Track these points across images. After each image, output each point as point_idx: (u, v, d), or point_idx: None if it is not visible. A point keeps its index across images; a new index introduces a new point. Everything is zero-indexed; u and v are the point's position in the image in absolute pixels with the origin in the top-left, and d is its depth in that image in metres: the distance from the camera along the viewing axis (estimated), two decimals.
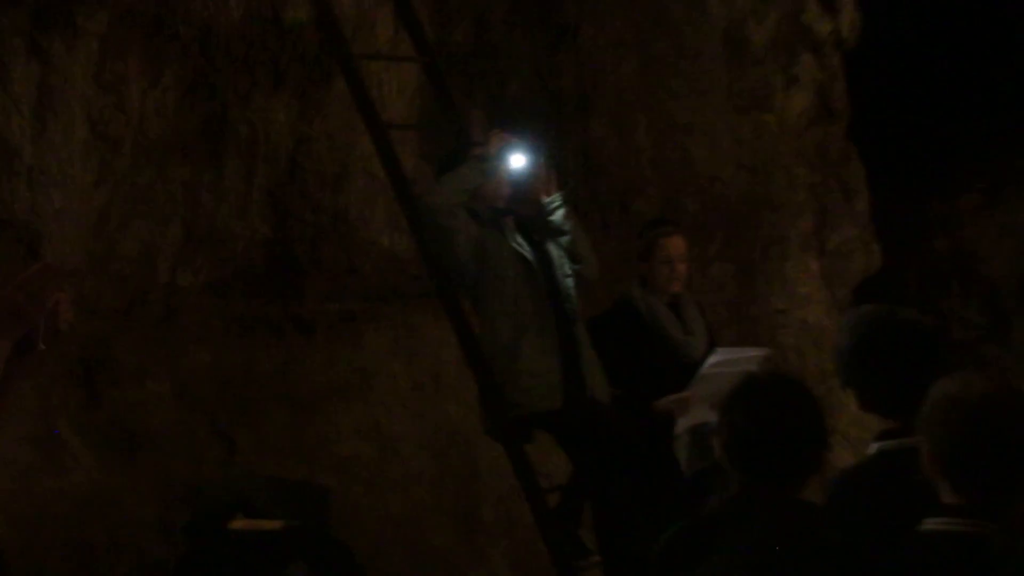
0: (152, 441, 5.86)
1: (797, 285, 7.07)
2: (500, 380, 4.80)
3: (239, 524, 5.04)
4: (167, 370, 5.98)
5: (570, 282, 4.91)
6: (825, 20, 7.52)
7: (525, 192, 4.95)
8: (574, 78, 6.86)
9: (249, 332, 6.16)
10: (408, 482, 6.25)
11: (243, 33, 5.85)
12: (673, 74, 6.94)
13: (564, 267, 4.92)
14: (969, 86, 8.96)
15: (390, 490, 6.19)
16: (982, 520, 2.33)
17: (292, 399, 6.15)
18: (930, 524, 2.39)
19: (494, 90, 6.72)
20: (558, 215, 4.89)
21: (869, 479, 2.80)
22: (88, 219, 5.65)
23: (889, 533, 2.46)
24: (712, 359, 4.97)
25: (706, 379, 4.86)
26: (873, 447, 2.86)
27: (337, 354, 6.27)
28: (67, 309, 2.54)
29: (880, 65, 8.23)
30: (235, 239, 6.14)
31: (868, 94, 7.81)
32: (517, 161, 4.85)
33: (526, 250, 4.87)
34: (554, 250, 4.93)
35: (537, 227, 4.96)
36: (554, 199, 4.90)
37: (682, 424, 4.93)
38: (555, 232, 4.92)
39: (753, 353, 5.25)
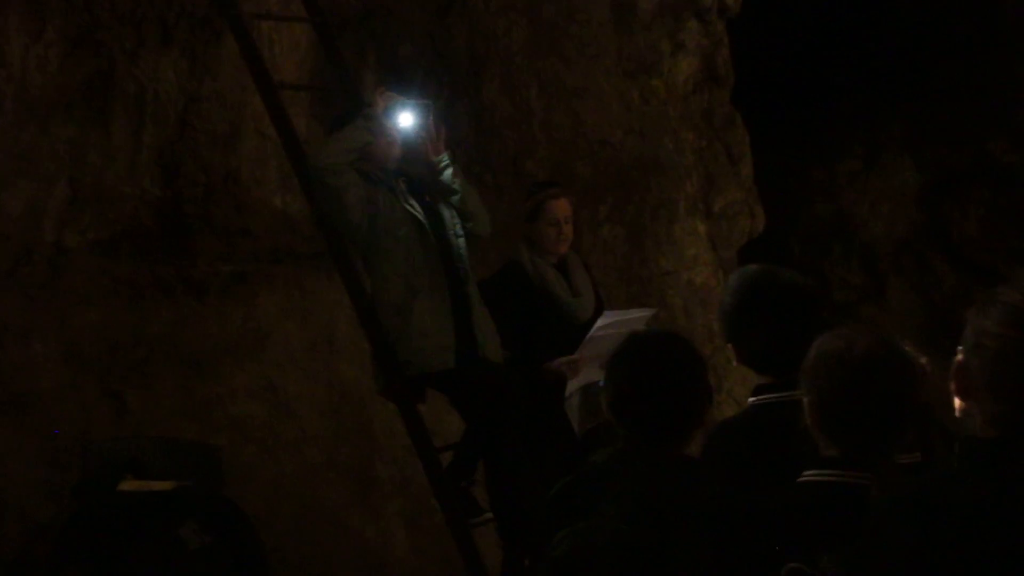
0: (40, 402, 5.79)
1: (685, 247, 7.18)
2: (393, 340, 4.81)
3: (129, 485, 4.95)
4: (54, 331, 5.90)
5: (462, 243, 4.92)
6: None
7: (415, 152, 4.95)
8: (465, 41, 6.86)
9: (138, 293, 6.10)
10: (302, 442, 6.25)
11: None
12: (563, 39, 6.98)
13: (456, 228, 4.93)
14: (848, 55, 9.16)
15: (283, 450, 6.18)
16: (860, 471, 2.39)
17: (184, 359, 6.10)
18: (809, 475, 2.45)
19: (386, 52, 6.70)
20: (447, 174, 4.88)
21: (746, 431, 2.89)
22: None
23: (768, 483, 2.53)
24: (601, 321, 5.01)
25: (595, 340, 4.91)
26: (751, 400, 2.96)
27: (229, 315, 6.23)
28: None
29: (763, 33, 8.37)
30: (124, 199, 6.07)
31: (751, 61, 7.94)
32: (405, 120, 4.82)
33: (418, 211, 4.87)
34: (446, 211, 4.94)
35: (428, 187, 4.96)
36: (442, 158, 4.89)
37: (573, 385, 4.98)
38: (445, 191, 4.91)
39: (641, 314, 5.29)
